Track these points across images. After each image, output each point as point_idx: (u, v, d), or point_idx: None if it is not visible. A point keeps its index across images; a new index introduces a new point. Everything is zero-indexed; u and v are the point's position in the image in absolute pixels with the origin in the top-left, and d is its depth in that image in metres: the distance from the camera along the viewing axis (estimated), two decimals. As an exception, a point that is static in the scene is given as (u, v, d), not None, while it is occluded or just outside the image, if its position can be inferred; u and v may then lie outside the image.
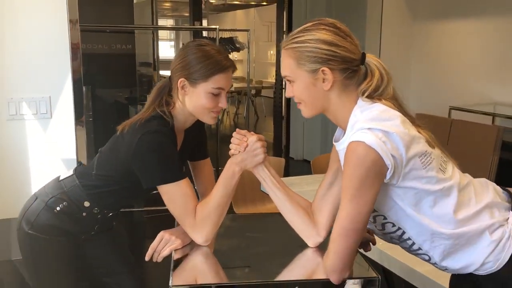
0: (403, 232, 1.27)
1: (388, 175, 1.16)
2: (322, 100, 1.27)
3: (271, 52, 12.25)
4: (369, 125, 1.17)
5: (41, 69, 2.43)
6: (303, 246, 1.47)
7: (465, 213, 1.25)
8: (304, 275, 1.44)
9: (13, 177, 2.44)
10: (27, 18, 2.38)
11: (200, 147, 1.78)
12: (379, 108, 1.22)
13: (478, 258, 1.25)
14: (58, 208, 1.66)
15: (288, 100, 5.88)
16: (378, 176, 1.15)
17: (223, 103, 1.56)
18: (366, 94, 1.24)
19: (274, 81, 6.19)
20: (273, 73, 7.94)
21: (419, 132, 1.23)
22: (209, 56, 1.53)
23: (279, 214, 1.50)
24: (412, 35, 5.50)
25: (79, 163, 1.75)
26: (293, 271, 1.42)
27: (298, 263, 1.45)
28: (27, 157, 2.46)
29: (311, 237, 1.45)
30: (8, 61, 2.37)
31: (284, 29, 5.73)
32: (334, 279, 1.22)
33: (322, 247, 1.45)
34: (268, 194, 1.52)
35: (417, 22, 5.48)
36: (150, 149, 1.49)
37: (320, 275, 1.34)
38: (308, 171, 3.32)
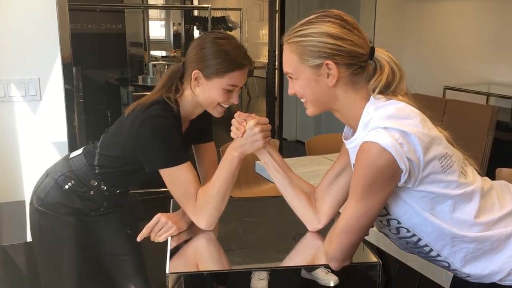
0: (419, 239, 1.19)
1: (403, 178, 1.09)
2: (326, 97, 1.19)
3: (263, 31, 12.12)
4: (385, 124, 1.08)
5: (29, 50, 2.36)
6: (301, 231, 1.45)
7: (489, 217, 1.17)
8: (306, 260, 1.43)
9: (2, 161, 2.39)
10: (13, -4, 2.30)
11: (205, 131, 1.76)
12: (396, 105, 1.12)
13: (505, 266, 1.15)
14: (66, 187, 1.68)
15: (281, 81, 5.79)
16: (390, 179, 1.09)
17: (234, 99, 1.55)
18: (376, 91, 1.16)
19: (266, 61, 6.11)
20: (266, 53, 7.86)
21: (440, 131, 1.15)
22: (227, 53, 1.50)
23: (275, 198, 1.48)
24: (407, 14, 5.45)
25: (90, 141, 1.73)
26: (294, 257, 1.40)
27: (298, 249, 1.42)
28: (17, 140, 2.41)
29: (311, 223, 1.43)
30: (-6, 41, 2.30)
31: (277, 8, 5.62)
32: (335, 267, 1.21)
33: (320, 232, 1.43)
34: (262, 176, 1.49)
35: (411, 1, 5.42)
36: (152, 133, 1.47)
37: (321, 261, 1.33)
38: (301, 152, 3.28)
